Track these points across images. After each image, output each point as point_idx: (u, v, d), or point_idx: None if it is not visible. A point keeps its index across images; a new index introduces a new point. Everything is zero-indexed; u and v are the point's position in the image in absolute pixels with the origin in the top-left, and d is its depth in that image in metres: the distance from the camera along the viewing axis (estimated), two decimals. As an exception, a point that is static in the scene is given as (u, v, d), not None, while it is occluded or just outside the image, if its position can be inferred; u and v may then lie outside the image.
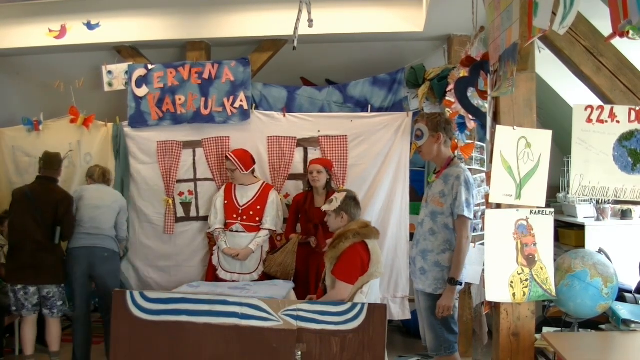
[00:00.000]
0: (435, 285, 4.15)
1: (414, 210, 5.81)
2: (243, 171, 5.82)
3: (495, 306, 3.92)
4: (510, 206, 3.74)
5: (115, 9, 6.35)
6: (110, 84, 6.43)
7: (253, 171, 5.98)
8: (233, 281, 5.61)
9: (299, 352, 3.68)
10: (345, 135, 6.07)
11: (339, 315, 3.71)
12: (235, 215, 5.82)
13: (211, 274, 5.86)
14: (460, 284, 4.17)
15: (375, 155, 6.03)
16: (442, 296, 4.12)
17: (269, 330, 3.75)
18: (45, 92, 6.79)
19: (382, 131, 6.02)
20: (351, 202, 4.58)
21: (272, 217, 5.81)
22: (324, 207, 4.66)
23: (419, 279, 4.28)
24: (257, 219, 5.80)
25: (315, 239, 5.52)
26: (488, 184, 3.81)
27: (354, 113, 6.20)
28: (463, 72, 4.56)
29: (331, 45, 6.51)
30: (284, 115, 6.18)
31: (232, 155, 5.84)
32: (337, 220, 4.56)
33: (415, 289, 4.43)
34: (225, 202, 5.91)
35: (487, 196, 3.88)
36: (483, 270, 3.80)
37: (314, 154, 6.12)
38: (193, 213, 6.34)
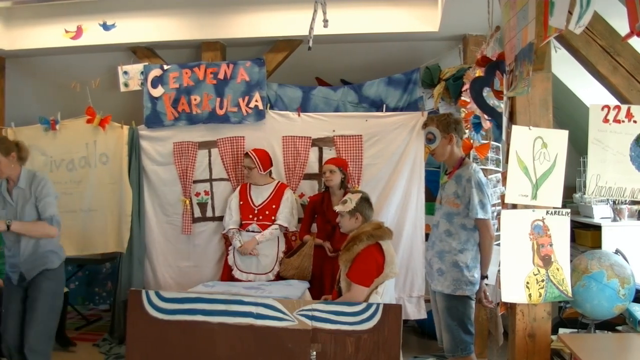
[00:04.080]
0: (455, 285, 4.14)
1: (430, 210, 5.80)
2: (261, 171, 5.83)
3: (510, 307, 3.90)
4: (526, 206, 3.72)
5: (131, 10, 6.39)
6: (126, 85, 6.46)
7: (270, 173, 5.99)
8: (248, 281, 5.61)
9: (314, 352, 3.69)
10: (360, 135, 6.06)
11: (353, 315, 3.71)
12: (251, 216, 5.82)
13: (226, 274, 5.86)
14: (487, 277, 4.21)
15: (391, 155, 6.01)
16: (478, 290, 4.17)
17: (284, 330, 3.76)
18: (62, 92, 6.83)
19: (397, 131, 6.00)
20: (365, 203, 4.58)
21: (285, 214, 5.79)
22: (338, 208, 4.65)
23: (437, 280, 4.27)
24: (273, 218, 5.79)
25: (331, 246, 5.51)
26: (504, 184, 3.79)
27: (369, 113, 6.19)
28: (478, 72, 4.53)
29: (346, 45, 6.51)
30: (299, 115, 6.18)
31: (253, 153, 5.85)
32: (351, 222, 4.56)
33: (432, 290, 4.42)
34: (241, 202, 5.91)
35: (502, 196, 3.86)
36: (499, 270, 3.78)
37: (329, 153, 6.11)
38: (209, 213, 6.34)
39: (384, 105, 6.17)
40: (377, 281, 4.23)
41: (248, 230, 5.79)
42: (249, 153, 5.87)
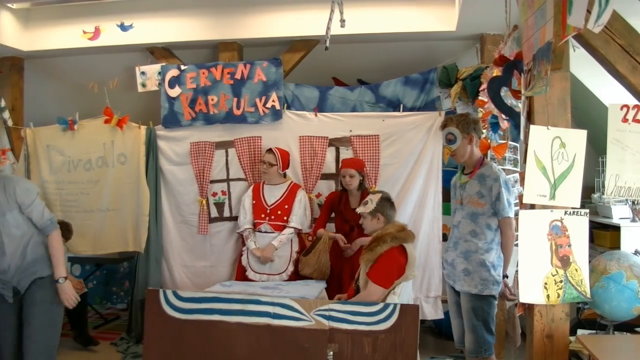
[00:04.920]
0: (482, 285, 4.14)
1: (447, 210, 5.78)
2: (280, 170, 5.86)
3: (528, 308, 3.89)
4: (544, 207, 3.71)
5: (148, 11, 6.42)
6: (143, 85, 6.49)
7: (285, 174, 6.01)
8: (263, 281, 5.62)
9: (331, 352, 3.69)
10: (377, 135, 6.05)
11: (371, 315, 3.72)
12: (263, 215, 5.82)
13: (240, 275, 5.87)
14: (507, 276, 4.21)
15: (408, 154, 6.00)
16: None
17: (301, 330, 3.77)
18: (80, 92, 6.86)
19: (414, 131, 5.99)
20: (387, 203, 4.56)
21: (299, 215, 5.78)
22: (359, 210, 4.63)
23: (462, 280, 4.25)
24: (285, 218, 5.79)
25: (344, 241, 5.51)
26: (522, 184, 3.78)
27: (386, 113, 6.18)
28: (496, 72, 4.52)
29: (363, 45, 6.51)
30: (316, 115, 6.18)
31: (277, 151, 5.86)
32: (373, 222, 4.54)
33: (452, 291, 4.41)
34: (254, 202, 5.92)
35: (520, 197, 3.85)
36: (517, 271, 3.77)
37: (345, 153, 6.11)
38: (226, 213, 6.36)
39: (401, 105, 6.16)
40: (396, 282, 4.22)
41: (260, 231, 5.80)
42: (273, 149, 5.87)
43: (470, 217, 4.25)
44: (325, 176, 6.17)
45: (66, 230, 6.30)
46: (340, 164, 5.90)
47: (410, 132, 6.00)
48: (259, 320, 3.85)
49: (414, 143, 5.98)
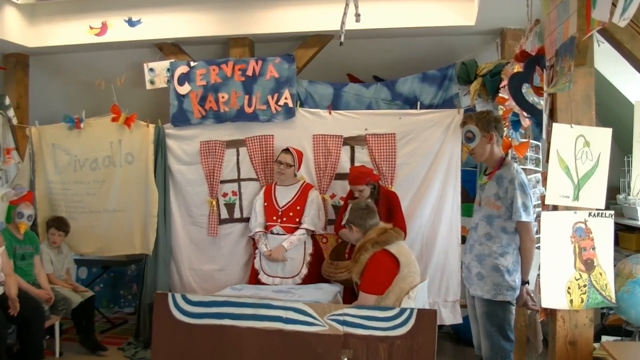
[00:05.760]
0: (495, 290, 4.11)
1: (466, 211, 5.77)
2: (296, 171, 5.90)
3: (551, 313, 3.87)
4: (567, 208, 3.69)
5: (157, 5, 6.44)
6: (152, 82, 6.51)
7: (296, 174, 6.02)
8: (275, 285, 5.63)
9: (345, 358, 3.69)
10: (394, 133, 6.05)
11: (386, 320, 3.71)
12: (274, 217, 5.83)
13: (254, 278, 5.88)
14: (528, 282, 4.18)
15: (425, 153, 5.99)
16: (519, 296, 4.14)
17: (314, 335, 3.77)
18: (87, 90, 6.90)
19: (432, 129, 5.98)
20: (358, 212, 4.67)
21: (311, 216, 5.80)
22: (343, 222, 4.72)
23: (476, 284, 4.24)
24: (297, 220, 5.80)
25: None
26: (544, 184, 3.77)
27: (403, 110, 6.17)
28: (517, 68, 4.51)
29: (379, 40, 6.51)
30: (330, 113, 6.19)
31: (294, 151, 5.88)
32: (352, 233, 4.67)
33: (470, 295, 4.40)
34: (265, 204, 5.93)
35: (542, 197, 3.84)
36: (538, 275, 3.76)
37: (361, 152, 6.12)
38: (237, 214, 6.37)
39: (418, 103, 6.14)
40: (399, 285, 4.27)
41: (272, 233, 5.81)
42: (290, 149, 5.89)
43: (486, 219, 4.24)
44: (340, 176, 6.14)
45: (63, 224, 6.37)
46: (348, 177, 5.77)
47: (428, 131, 5.99)
48: (270, 325, 3.85)
49: (432, 142, 5.97)
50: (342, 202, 5.97)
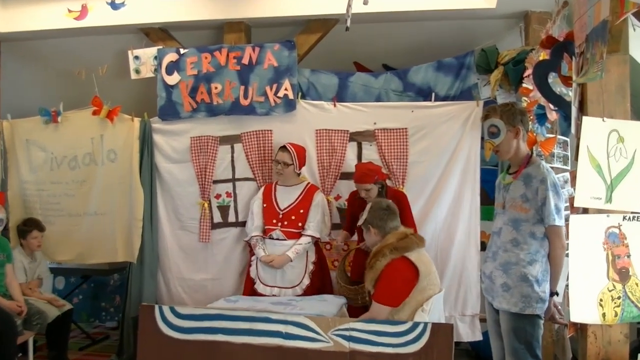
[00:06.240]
0: (524, 303, 4.07)
1: (485, 215, 5.77)
2: (297, 169, 5.87)
3: (581, 328, 3.87)
4: (599, 211, 3.68)
5: (143, -14, 6.43)
6: (137, 71, 6.50)
7: (299, 173, 6.01)
8: (273, 295, 5.62)
9: (352, 378, 3.69)
10: (405, 128, 6.05)
11: (398, 336, 3.70)
12: (274, 221, 5.82)
13: (249, 288, 5.87)
14: (557, 293, 4.14)
15: (440, 151, 5.98)
16: (546, 309, 4.10)
17: (317, 352, 3.77)
18: (65, 80, 6.90)
19: (448, 123, 5.97)
20: (378, 213, 4.62)
21: (317, 221, 5.78)
22: (358, 223, 4.70)
23: (500, 296, 4.20)
24: (300, 224, 5.78)
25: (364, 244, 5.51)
26: (573, 185, 3.75)
27: (416, 102, 6.16)
28: (543, 55, 4.51)
29: (389, 25, 6.49)
30: (335, 105, 6.18)
31: (292, 148, 5.86)
32: (369, 236, 4.63)
33: (490, 308, 4.38)
34: (264, 205, 5.92)
35: (571, 199, 3.82)
36: (567, 285, 3.75)
37: (369, 149, 6.12)
38: (231, 218, 6.37)
39: (433, 94, 6.13)
40: (416, 297, 4.25)
41: (271, 237, 5.80)
42: (288, 147, 5.86)
43: (512, 223, 4.20)
44: (345, 175, 6.14)
45: (41, 225, 6.36)
46: (354, 180, 5.74)
47: (444, 125, 5.98)
48: (269, 341, 3.85)
49: (448, 137, 5.97)
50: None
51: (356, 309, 5.28)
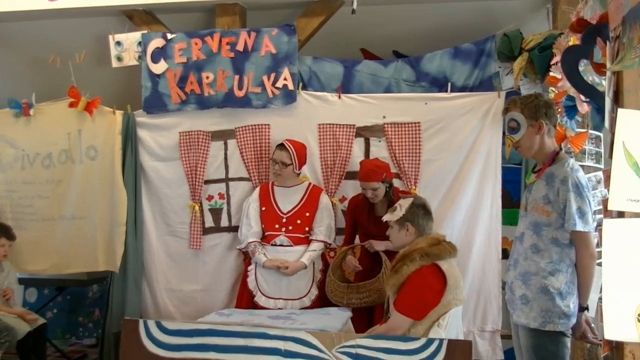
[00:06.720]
0: (544, 318, 4.07)
1: (508, 219, 5.76)
2: (296, 169, 5.86)
3: (616, 347, 3.85)
4: (636, 215, 3.66)
5: (125, -37, 6.42)
6: (119, 59, 6.49)
7: (299, 173, 6.01)
8: (277, 309, 5.62)
9: (359, 402, 3.68)
10: (418, 123, 6.05)
11: (410, 354, 3.68)
12: (277, 226, 5.82)
13: (246, 301, 5.86)
14: (587, 309, 4.13)
15: (457, 147, 5.98)
16: (576, 325, 4.08)
17: (321, 372, 3.75)
18: (38, 68, 6.91)
19: (465, 116, 5.97)
20: (419, 210, 4.52)
21: (327, 225, 5.80)
22: (386, 217, 4.62)
23: (519, 310, 4.21)
24: (306, 228, 5.80)
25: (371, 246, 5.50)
26: (607, 185, 3.74)
27: (430, 94, 6.16)
28: (573, 40, 4.50)
29: (400, 6, 6.47)
30: (340, 97, 6.19)
31: (291, 145, 5.84)
32: (401, 234, 4.52)
33: (514, 323, 4.37)
34: (263, 208, 5.92)
35: (605, 202, 3.80)
36: (600, 299, 3.73)
37: (377, 146, 6.12)
38: (224, 222, 6.37)
39: (449, 84, 6.14)
40: (438, 311, 4.20)
41: (275, 244, 5.79)
42: (285, 144, 5.85)
43: (533, 227, 4.21)
44: (352, 175, 6.12)
45: (11, 231, 6.35)
46: (358, 178, 5.74)
47: (461, 119, 5.98)
48: (266, 359, 3.83)
49: (466, 133, 5.96)
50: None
51: (362, 322, 5.28)
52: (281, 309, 5.60)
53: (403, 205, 4.53)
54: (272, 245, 5.79)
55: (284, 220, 5.81)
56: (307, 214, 5.80)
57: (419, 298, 4.17)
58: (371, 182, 5.47)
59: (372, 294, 5.42)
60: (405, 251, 4.33)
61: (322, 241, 5.75)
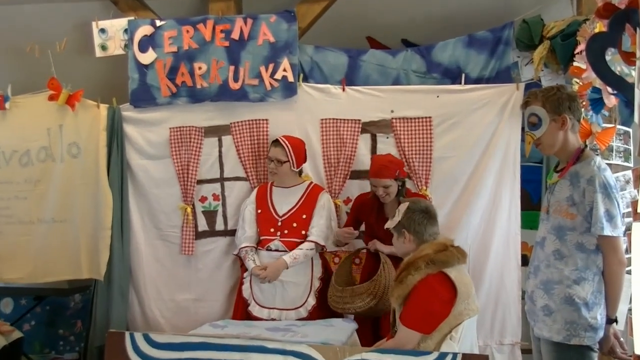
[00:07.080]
0: (568, 331, 4.04)
1: (527, 222, 5.74)
2: (294, 167, 5.83)
3: (647, 361, 3.84)
4: (668, 218, 3.65)
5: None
6: (103, 47, 6.47)
7: (301, 172, 6.01)
8: (272, 320, 5.62)
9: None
10: (429, 117, 6.05)
11: (421, 369, 3.69)
12: (272, 229, 5.82)
13: (240, 310, 5.89)
14: (616, 321, 4.09)
15: (472, 144, 5.98)
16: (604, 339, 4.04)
17: (324, 388, 3.75)
18: (14, 58, 6.91)
19: (481, 111, 5.97)
20: (415, 215, 4.46)
21: (320, 225, 5.76)
22: (386, 225, 4.62)
23: (541, 322, 4.19)
24: (303, 232, 5.78)
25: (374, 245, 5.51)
26: (636, 186, 3.73)
27: (442, 86, 6.16)
28: (599, 26, 4.49)
29: (409, -9, 6.50)
30: (344, 90, 6.18)
31: (286, 141, 5.83)
32: (400, 242, 4.51)
33: (535, 336, 4.35)
34: (259, 211, 5.92)
35: (634, 203, 3.80)
36: (629, 310, 3.72)
37: (385, 142, 6.12)
38: (219, 225, 6.38)
39: (463, 75, 6.13)
40: (450, 323, 4.17)
41: (269, 249, 5.79)
42: (280, 140, 5.84)
43: (555, 232, 4.19)
44: (357, 174, 6.15)
45: None
46: (369, 176, 5.75)
47: (476, 113, 5.98)
48: (265, 375, 3.84)
49: (481, 128, 5.97)
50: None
51: (367, 335, 5.28)
52: (274, 319, 5.60)
53: (400, 210, 4.52)
54: (267, 250, 5.79)
55: (279, 223, 5.80)
56: (304, 216, 5.78)
57: (426, 310, 4.13)
58: (383, 179, 5.45)
59: (370, 300, 5.32)
60: (410, 259, 4.29)
61: (312, 241, 5.70)
